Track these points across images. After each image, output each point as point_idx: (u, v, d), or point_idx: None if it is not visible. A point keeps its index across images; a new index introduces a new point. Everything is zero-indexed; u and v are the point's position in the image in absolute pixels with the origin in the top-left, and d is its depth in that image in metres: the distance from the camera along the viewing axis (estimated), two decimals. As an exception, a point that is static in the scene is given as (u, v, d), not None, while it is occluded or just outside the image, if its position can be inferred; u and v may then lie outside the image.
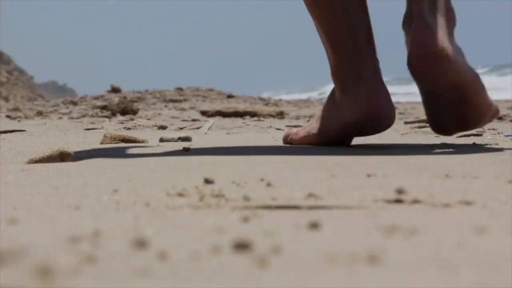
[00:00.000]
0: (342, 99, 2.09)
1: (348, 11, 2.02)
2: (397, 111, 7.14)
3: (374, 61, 2.08)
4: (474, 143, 2.57)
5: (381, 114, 2.03)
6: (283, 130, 3.93)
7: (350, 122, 2.09)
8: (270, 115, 5.93)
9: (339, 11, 2.00)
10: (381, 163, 1.77)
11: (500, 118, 5.01)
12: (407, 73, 2.05)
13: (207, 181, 1.42)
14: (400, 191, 1.23)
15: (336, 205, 1.14)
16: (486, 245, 0.84)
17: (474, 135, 2.99)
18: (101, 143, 2.74)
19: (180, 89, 11.44)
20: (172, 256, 0.79)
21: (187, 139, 2.79)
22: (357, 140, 2.55)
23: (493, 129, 3.70)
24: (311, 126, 2.23)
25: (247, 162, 1.83)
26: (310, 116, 5.96)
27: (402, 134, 3.19)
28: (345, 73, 2.05)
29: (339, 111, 2.12)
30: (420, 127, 3.67)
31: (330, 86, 2.23)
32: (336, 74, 2.09)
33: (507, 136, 3.00)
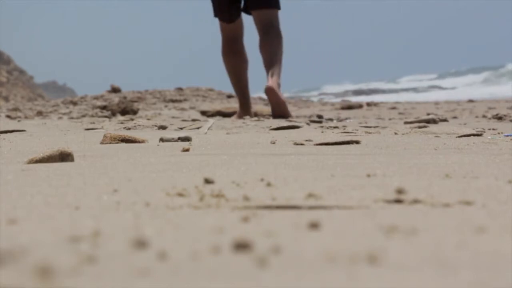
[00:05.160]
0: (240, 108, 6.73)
1: (240, 82, 6.64)
2: (396, 111, 7.16)
3: (248, 104, 6.59)
4: (474, 143, 2.57)
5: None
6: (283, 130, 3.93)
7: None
8: (270, 115, 5.94)
9: (236, 82, 6.65)
10: (381, 163, 1.77)
11: (500, 118, 5.01)
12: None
13: (207, 181, 1.42)
14: (400, 191, 1.23)
15: (336, 205, 1.14)
16: (486, 245, 0.84)
17: (474, 135, 2.99)
18: (101, 143, 2.74)
19: (180, 89, 11.44)
20: (172, 256, 0.79)
21: (187, 139, 2.79)
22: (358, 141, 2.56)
23: (493, 129, 3.69)
24: (237, 113, 6.54)
25: (247, 162, 1.83)
26: (310, 116, 6.05)
27: (402, 134, 3.19)
28: (239, 102, 6.68)
29: (240, 111, 6.58)
30: (420, 127, 3.66)
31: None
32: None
33: (507, 136, 3.00)
